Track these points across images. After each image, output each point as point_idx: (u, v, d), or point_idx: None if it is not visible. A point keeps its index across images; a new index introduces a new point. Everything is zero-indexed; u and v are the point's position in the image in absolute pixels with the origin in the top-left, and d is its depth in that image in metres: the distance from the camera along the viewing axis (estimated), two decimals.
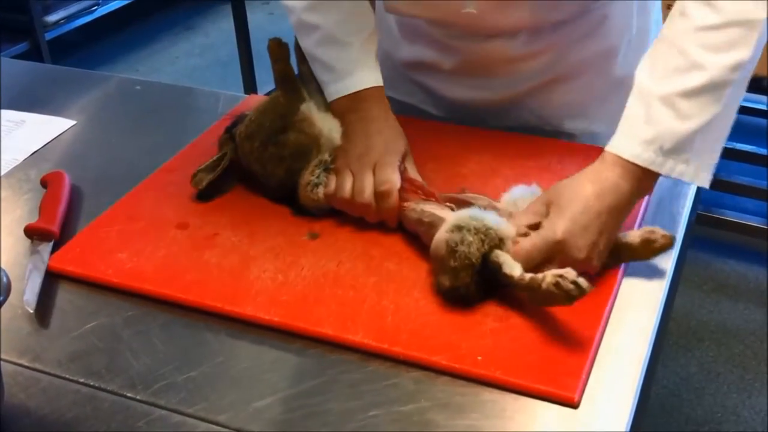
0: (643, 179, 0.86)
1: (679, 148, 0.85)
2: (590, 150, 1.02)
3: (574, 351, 0.77)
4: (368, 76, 1.02)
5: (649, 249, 0.86)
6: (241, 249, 0.92)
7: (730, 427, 1.89)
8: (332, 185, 0.96)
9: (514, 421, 0.72)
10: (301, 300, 0.84)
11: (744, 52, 0.83)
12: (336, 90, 1.02)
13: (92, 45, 3.76)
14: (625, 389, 0.75)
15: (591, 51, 1.10)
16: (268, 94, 1.04)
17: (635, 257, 0.87)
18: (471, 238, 0.82)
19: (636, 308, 0.83)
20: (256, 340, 0.82)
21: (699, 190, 1.02)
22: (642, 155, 0.85)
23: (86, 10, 3.45)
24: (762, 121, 2.63)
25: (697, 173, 0.86)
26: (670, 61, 0.86)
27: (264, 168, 0.99)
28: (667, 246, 0.86)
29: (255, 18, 3.22)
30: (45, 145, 1.18)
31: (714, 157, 0.87)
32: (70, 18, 3.38)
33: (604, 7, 1.08)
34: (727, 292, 2.25)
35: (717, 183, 2.56)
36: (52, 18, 3.29)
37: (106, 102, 1.30)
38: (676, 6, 0.88)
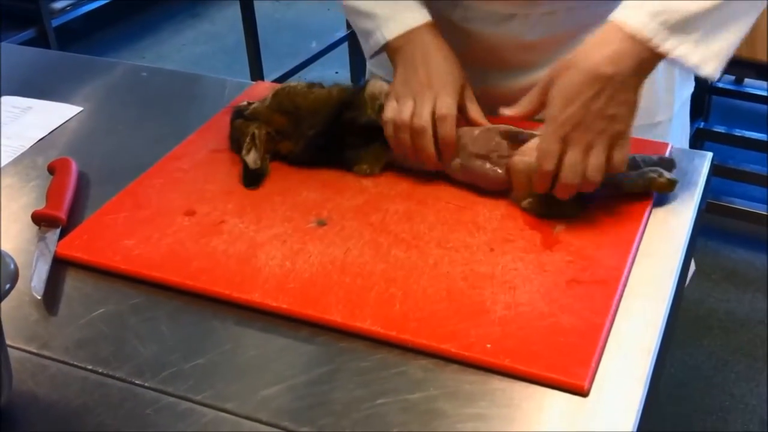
0: (644, 56, 0.86)
1: (685, 26, 0.85)
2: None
3: (584, 339, 0.77)
4: (415, 15, 1.01)
5: (649, 185, 0.92)
6: (248, 236, 0.92)
7: (737, 416, 1.88)
8: (390, 110, 0.97)
9: (523, 409, 0.72)
10: (309, 287, 0.84)
11: None
12: (382, 36, 1.02)
13: (98, 32, 3.76)
14: (635, 378, 0.74)
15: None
16: (275, 81, 1.05)
17: (633, 189, 0.93)
18: None
19: (646, 297, 0.83)
20: (264, 328, 0.82)
21: (709, 178, 1.02)
22: (648, 25, 0.85)
23: None
24: None
25: (704, 60, 0.86)
26: None
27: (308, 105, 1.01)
28: (667, 188, 0.92)
29: (262, 5, 3.21)
30: (52, 131, 1.17)
31: (724, 50, 0.87)
32: (76, 5, 3.37)
33: None
34: (735, 280, 2.24)
35: (726, 171, 2.57)
36: (58, 5, 3.29)
37: (112, 89, 1.29)
38: None
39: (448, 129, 0.96)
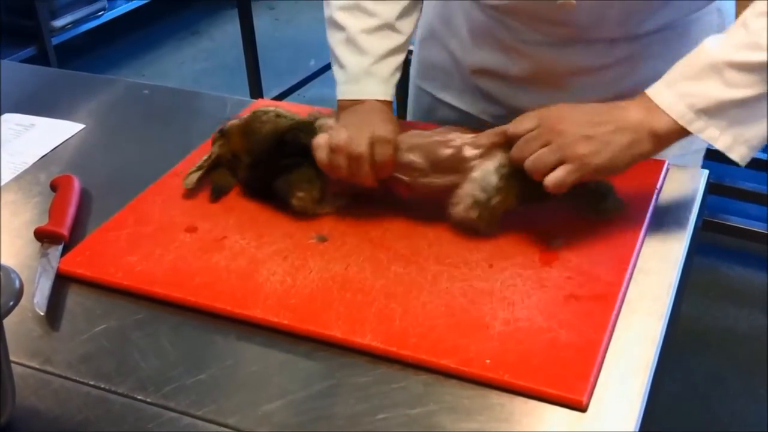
0: (674, 128, 0.87)
1: (712, 111, 0.86)
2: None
3: (582, 354, 0.77)
4: (376, 88, 1.03)
5: (600, 202, 0.94)
6: (250, 252, 0.92)
7: None
8: (321, 137, 0.95)
9: (522, 424, 0.73)
10: (310, 303, 0.85)
11: None
12: (343, 91, 1.04)
13: (98, 50, 3.77)
14: (633, 393, 0.75)
15: (666, 65, 1.03)
16: (274, 98, 1.06)
17: (588, 206, 0.94)
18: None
19: (643, 312, 0.84)
20: (265, 343, 0.82)
21: (705, 195, 1.03)
22: (674, 106, 0.87)
23: (93, 15, 3.46)
24: None
25: (732, 145, 0.87)
26: (735, 36, 0.87)
27: (251, 136, 1.00)
28: (613, 209, 0.94)
29: (261, 23, 3.23)
30: (54, 148, 1.18)
31: (756, 139, 0.88)
32: (76, 23, 3.39)
33: (688, 23, 1.06)
34: (732, 297, 2.24)
35: (722, 188, 2.57)
36: (58, 23, 3.30)
37: (114, 106, 1.30)
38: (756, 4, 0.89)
39: (387, 150, 0.94)
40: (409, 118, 1.34)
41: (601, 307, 0.83)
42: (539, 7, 1.04)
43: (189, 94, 1.37)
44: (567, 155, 0.87)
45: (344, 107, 1.03)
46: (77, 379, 0.79)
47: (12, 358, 0.77)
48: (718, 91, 0.86)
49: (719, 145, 0.87)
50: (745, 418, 1.92)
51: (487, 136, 0.94)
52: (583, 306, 0.83)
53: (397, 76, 1.05)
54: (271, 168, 0.99)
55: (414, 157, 0.94)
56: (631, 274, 0.88)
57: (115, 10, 3.57)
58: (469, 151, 0.93)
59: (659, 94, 0.88)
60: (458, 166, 0.93)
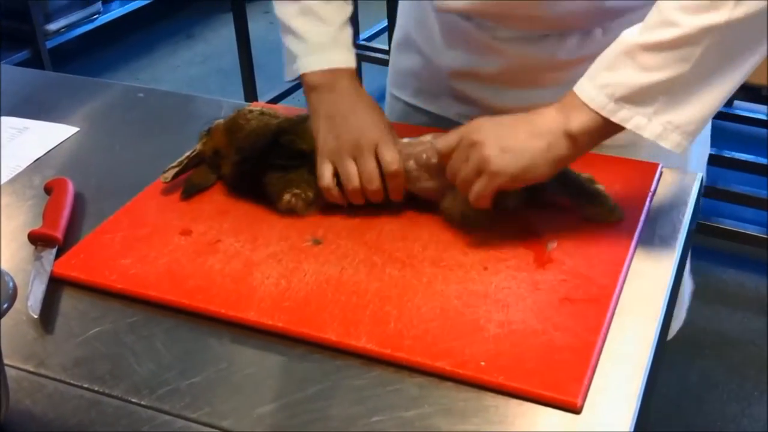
0: (585, 121, 0.86)
1: (635, 99, 0.84)
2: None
3: (576, 357, 0.77)
4: (343, 56, 1.02)
5: (600, 201, 0.94)
6: (244, 255, 0.92)
7: None
8: (327, 176, 0.95)
9: (517, 426, 0.73)
10: (305, 305, 0.85)
11: (718, 17, 0.81)
12: (308, 63, 1.02)
13: (93, 53, 3.77)
14: (628, 395, 0.75)
15: None
16: (269, 102, 1.06)
17: (583, 202, 0.95)
18: None
19: (637, 315, 0.84)
20: (260, 346, 0.82)
21: (699, 199, 1.03)
22: (595, 99, 0.85)
23: (87, 19, 3.46)
24: (761, 130, 2.64)
25: (662, 133, 0.85)
26: (648, 19, 0.85)
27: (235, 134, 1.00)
28: (610, 213, 0.94)
29: (256, 26, 3.23)
30: (48, 151, 1.18)
31: (689, 122, 0.85)
32: (71, 26, 3.39)
33: None
34: (726, 301, 2.25)
35: (717, 192, 2.58)
36: (53, 26, 3.30)
37: (108, 109, 1.30)
38: None
39: (400, 183, 0.95)
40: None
41: (595, 310, 0.83)
42: (503, 5, 1.03)
43: (183, 97, 1.37)
44: (482, 167, 0.87)
45: (314, 87, 1.01)
46: (71, 382, 0.79)
47: (6, 361, 0.77)
48: (635, 76, 0.83)
49: (648, 135, 0.85)
50: (739, 421, 1.92)
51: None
52: (577, 308, 0.83)
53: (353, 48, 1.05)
54: (260, 165, 0.99)
55: (410, 166, 0.95)
56: (625, 276, 0.88)
57: (110, 13, 3.57)
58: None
59: (581, 88, 0.87)
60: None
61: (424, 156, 0.95)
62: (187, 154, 1.04)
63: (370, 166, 0.95)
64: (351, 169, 0.95)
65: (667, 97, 0.84)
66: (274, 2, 1.06)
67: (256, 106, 1.06)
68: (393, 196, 0.96)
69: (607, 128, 0.86)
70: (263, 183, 0.98)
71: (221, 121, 1.04)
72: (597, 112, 0.85)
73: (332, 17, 1.03)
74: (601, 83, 0.85)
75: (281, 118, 1.03)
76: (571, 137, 0.87)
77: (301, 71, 1.02)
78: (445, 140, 0.92)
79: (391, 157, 0.95)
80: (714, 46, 0.82)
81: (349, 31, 1.04)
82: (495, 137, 0.88)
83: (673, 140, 0.85)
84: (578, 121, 0.86)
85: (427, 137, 0.98)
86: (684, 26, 0.81)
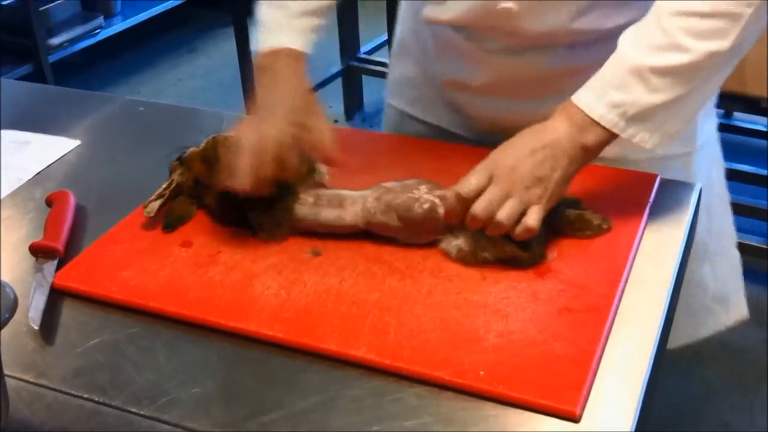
0: (598, 136, 0.91)
1: (642, 117, 0.90)
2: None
3: (576, 366, 0.78)
4: (290, 37, 1.04)
5: (585, 226, 0.95)
6: (244, 266, 0.93)
7: None
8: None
9: None
10: (304, 316, 0.85)
11: (724, 43, 0.87)
12: (259, 41, 1.05)
13: (95, 67, 3.78)
14: (627, 403, 0.75)
15: None
16: None
17: (570, 231, 0.95)
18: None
19: (637, 324, 0.84)
20: (260, 357, 0.82)
21: (697, 209, 1.03)
22: (606, 116, 0.90)
23: (89, 33, 3.47)
24: (761, 142, 2.64)
25: (658, 142, 0.92)
26: (653, 37, 0.89)
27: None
28: (599, 230, 0.94)
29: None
30: (50, 165, 1.19)
31: (676, 131, 0.92)
32: (73, 41, 3.40)
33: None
34: None
35: None
36: (55, 41, 3.32)
37: (109, 123, 1.31)
38: None
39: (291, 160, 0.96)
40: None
41: (594, 319, 0.83)
42: (484, 16, 1.04)
43: (184, 110, 1.38)
44: (530, 201, 0.89)
45: (258, 67, 1.04)
46: (71, 392, 0.79)
47: (6, 371, 0.77)
48: (645, 97, 0.89)
49: (647, 145, 0.91)
50: (740, 430, 1.91)
51: (454, 199, 0.91)
52: (576, 318, 0.84)
53: (314, 37, 1.06)
54: (243, 197, 0.96)
55: (387, 219, 0.93)
56: (624, 286, 0.88)
57: (112, 27, 3.58)
58: (441, 210, 0.92)
59: (589, 106, 0.90)
60: (433, 225, 0.93)
61: (405, 209, 0.93)
62: (164, 185, 1.01)
63: (268, 132, 0.95)
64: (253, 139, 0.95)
65: (666, 112, 0.90)
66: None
67: (231, 133, 1.03)
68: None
69: (608, 142, 0.92)
70: (249, 217, 0.97)
71: (193, 149, 1.02)
72: (607, 129, 0.90)
73: (294, 5, 1.06)
74: (612, 102, 0.90)
75: None
76: (585, 150, 0.91)
77: (256, 50, 1.05)
78: (467, 183, 0.90)
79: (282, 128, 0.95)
80: (714, 68, 0.90)
81: (311, 20, 1.06)
82: (527, 171, 0.89)
83: (662, 146, 0.92)
84: (593, 137, 0.91)
85: (410, 181, 0.96)
86: (693, 52, 0.87)
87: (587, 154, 0.92)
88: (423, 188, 0.94)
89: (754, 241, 2.30)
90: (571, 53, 1.07)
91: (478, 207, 0.89)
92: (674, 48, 0.88)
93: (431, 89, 1.20)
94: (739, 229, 2.35)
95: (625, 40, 0.92)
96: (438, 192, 0.93)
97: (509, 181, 0.89)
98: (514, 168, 0.90)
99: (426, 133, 1.20)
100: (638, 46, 0.90)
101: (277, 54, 1.03)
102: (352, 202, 0.95)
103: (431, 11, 1.10)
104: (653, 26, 0.90)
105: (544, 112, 1.00)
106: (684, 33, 0.87)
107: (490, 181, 0.90)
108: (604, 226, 0.95)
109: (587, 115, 0.90)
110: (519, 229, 0.88)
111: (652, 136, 0.91)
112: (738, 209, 2.31)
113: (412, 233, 0.94)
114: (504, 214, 0.88)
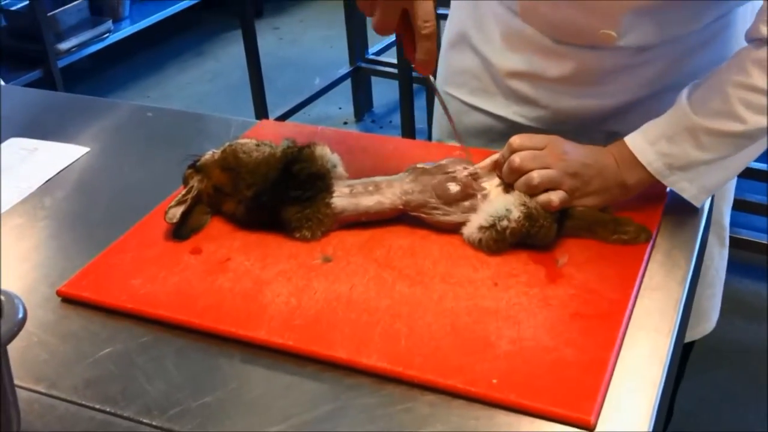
0: (640, 177, 0.97)
1: (686, 168, 0.96)
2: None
3: (589, 373, 0.77)
4: None
5: (620, 231, 0.95)
6: (254, 273, 0.92)
7: None
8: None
9: None
10: (315, 324, 0.85)
11: None
12: None
13: (104, 72, 3.80)
14: (641, 411, 0.74)
15: (708, 59, 1.08)
16: (278, 118, 1.05)
17: (605, 235, 0.95)
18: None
19: (650, 329, 0.83)
20: (270, 365, 0.82)
21: (710, 212, 1.02)
22: (653, 163, 0.96)
23: (98, 38, 3.49)
24: None
25: (696, 195, 0.98)
26: (713, 102, 0.95)
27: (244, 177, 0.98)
28: (636, 239, 0.94)
29: (265, 43, 3.24)
30: (59, 172, 1.19)
31: (716, 186, 0.99)
32: (82, 45, 3.41)
33: (729, 15, 1.09)
34: (743, 311, 2.23)
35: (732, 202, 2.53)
36: (64, 46, 3.33)
37: (118, 129, 1.31)
38: (739, 54, 0.95)
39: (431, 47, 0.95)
40: (434, 130, 1.34)
41: (607, 325, 0.82)
42: (581, 35, 1.07)
43: (193, 116, 1.38)
44: (561, 181, 0.95)
45: None
46: (83, 403, 0.79)
47: (17, 382, 0.77)
48: (693, 152, 0.95)
49: (686, 195, 0.98)
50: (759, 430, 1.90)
51: (506, 149, 0.98)
52: (589, 324, 0.83)
53: None
54: (277, 198, 0.97)
55: (427, 198, 0.96)
56: (638, 291, 0.87)
57: (121, 32, 3.60)
58: (475, 183, 0.97)
59: (639, 149, 0.97)
60: (468, 198, 0.96)
61: (443, 187, 0.96)
62: (184, 191, 1.01)
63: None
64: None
65: (708, 167, 0.97)
66: None
67: (244, 139, 1.04)
68: (420, 65, 0.96)
69: (648, 185, 0.98)
70: (282, 219, 0.97)
71: (209, 157, 1.02)
72: (651, 173, 0.97)
73: None
74: (661, 151, 0.96)
75: (279, 146, 1.01)
76: (624, 187, 0.98)
77: None
78: (529, 138, 0.97)
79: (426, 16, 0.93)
80: (762, 139, 0.96)
81: None
82: (575, 162, 0.96)
83: (701, 199, 0.99)
84: (636, 177, 0.97)
85: (444, 161, 0.99)
86: (749, 124, 0.93)
87: (623, 191, 0.98)
88: (459, 167, 0.98)
89: (755, 237, 2.28)
90: (653, 48, 1.08)
91: (522, 155, 0.95)
92: (731, 116, 0.93)
93: (493, 80, 1.20)
94: (755, 228, 2.34)
95: (686, 97, 0.97)
96: (472, 168, 0.98)
97: (557, 158, 0.95)
98: (567, 153, 0.96)
99: (487, 122, 1.20)
100: (698, 107, 0.95)
101: None
102: (388, 185, 0.98)
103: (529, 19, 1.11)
104: (715, 91, 0.95)
105: (623, 98, 1.11)
106: (743, 105, 0.93)
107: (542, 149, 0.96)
108: (644, 234, 0.95)
109: (636, 158, 0.96)
110: (543, 197, 0.94)
111: (691, 186, 0.97)
112: (749, 207, 2.31)
113: (449, 211, 0.96)
114: (538, 174, 0.94)
